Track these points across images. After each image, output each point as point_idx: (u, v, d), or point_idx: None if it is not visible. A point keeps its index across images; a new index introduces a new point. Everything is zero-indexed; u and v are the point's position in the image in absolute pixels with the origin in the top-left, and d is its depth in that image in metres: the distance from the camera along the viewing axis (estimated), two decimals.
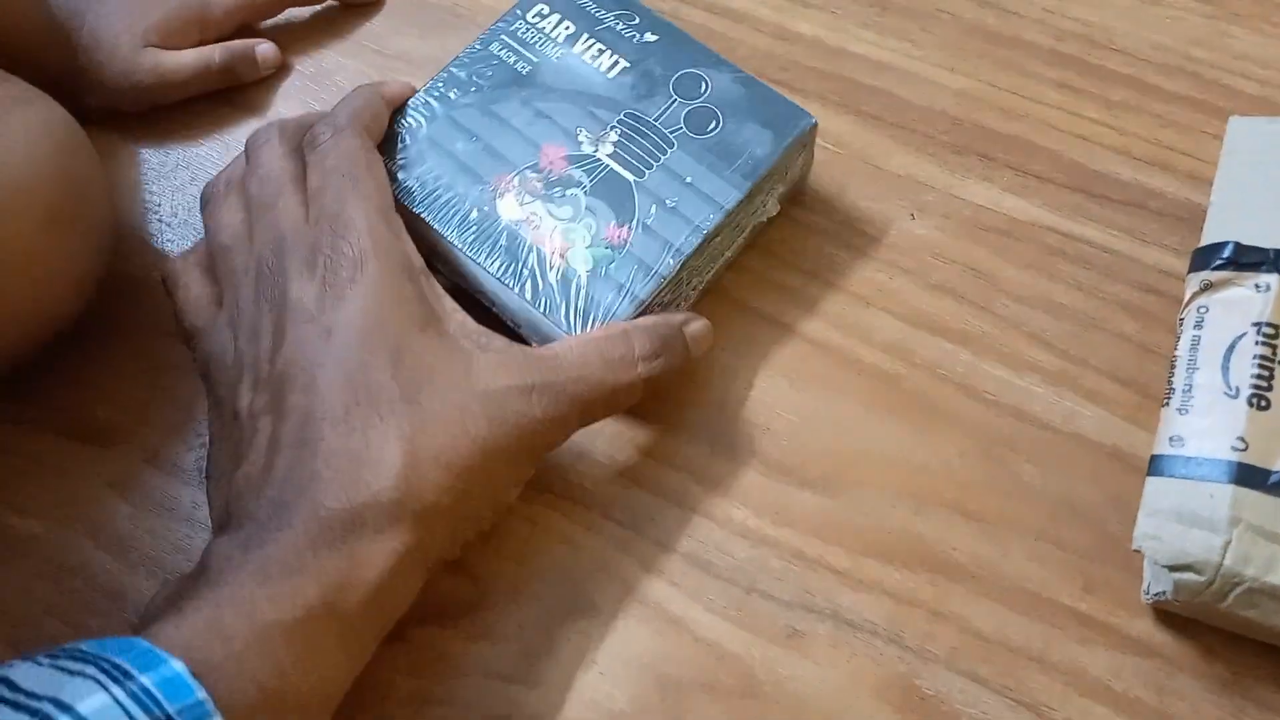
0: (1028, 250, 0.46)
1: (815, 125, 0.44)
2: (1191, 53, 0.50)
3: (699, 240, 0.42)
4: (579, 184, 0.42)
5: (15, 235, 0.40)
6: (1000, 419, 0.43)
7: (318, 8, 0.54)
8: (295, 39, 0.54)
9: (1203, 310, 0.41)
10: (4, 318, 0.41)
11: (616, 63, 0.44)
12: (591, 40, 0.45)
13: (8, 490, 0.45)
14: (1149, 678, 0.39)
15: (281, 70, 0.53)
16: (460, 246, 0.42)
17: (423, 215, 0.43)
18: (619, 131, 0.43)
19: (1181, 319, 0.41)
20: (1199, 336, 0.40)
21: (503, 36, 0.45)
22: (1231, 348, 0.39)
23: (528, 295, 0.41)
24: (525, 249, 0.42)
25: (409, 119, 0.45)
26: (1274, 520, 0.36)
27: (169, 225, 0.51)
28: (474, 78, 0.45)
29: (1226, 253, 0.41)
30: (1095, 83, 0.50)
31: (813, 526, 0.42)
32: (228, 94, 0.53)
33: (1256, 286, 0.39)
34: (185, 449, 0.45)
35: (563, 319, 0.41)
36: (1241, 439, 0.37)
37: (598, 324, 0.41)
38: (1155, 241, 0.46)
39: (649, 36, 0.45)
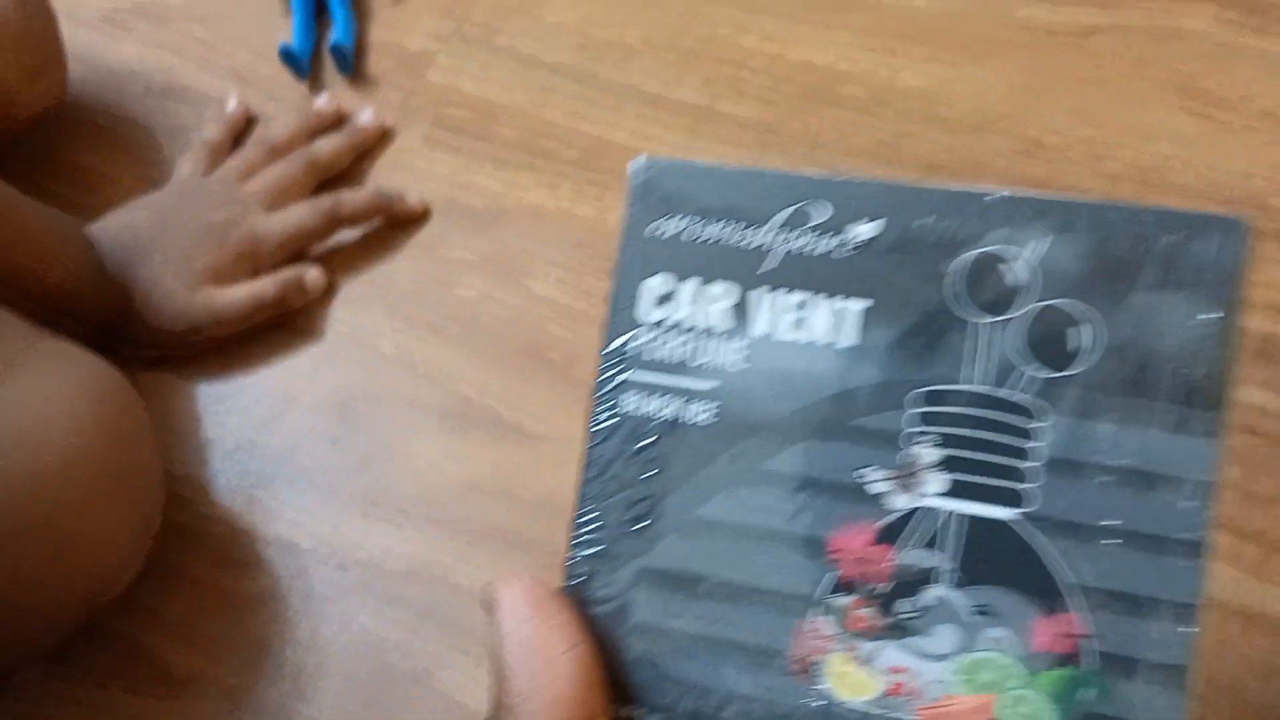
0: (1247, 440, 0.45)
1: (1249, 227, 0.24)
2: (1249, 184, 0.49)
3: (1202, 557, 0.23)
4: (930, 577, 0.24)
5: (63, 506, 0.38)
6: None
7: (368, 227, 0.55)
8: (347, 257, 0.54)
9: None
10: (57, 590, 0.40)
11: (842, 311, 0.25)
12: (774, 292, 0.25)
13: None
14: None
15: (332, 289, 0.53)
16: None
17: None
18: (931, 438, 0.24)
19: None
20: None
21: (626, 374, 0.26)
22: None
23: None
24: None
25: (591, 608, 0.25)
26: None
27: (236, 452, 0.50)
28: (623, 473, 0.25)
29: None
30: None
31: None
32: (283, 318, 0.53)
33: None
34: (264, 685, 0.44)
35: None
36: None
37: None
38: (1241, 380, 0.45)
39: (861, 230, 0.25)
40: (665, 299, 0.26)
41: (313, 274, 0.52)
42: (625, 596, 0.25)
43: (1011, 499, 0.23)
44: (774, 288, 0.25)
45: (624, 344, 0.26)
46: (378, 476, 0.48)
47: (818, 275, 0.25)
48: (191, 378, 0.52)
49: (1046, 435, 0.23)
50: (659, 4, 0.58)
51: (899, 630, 0.24)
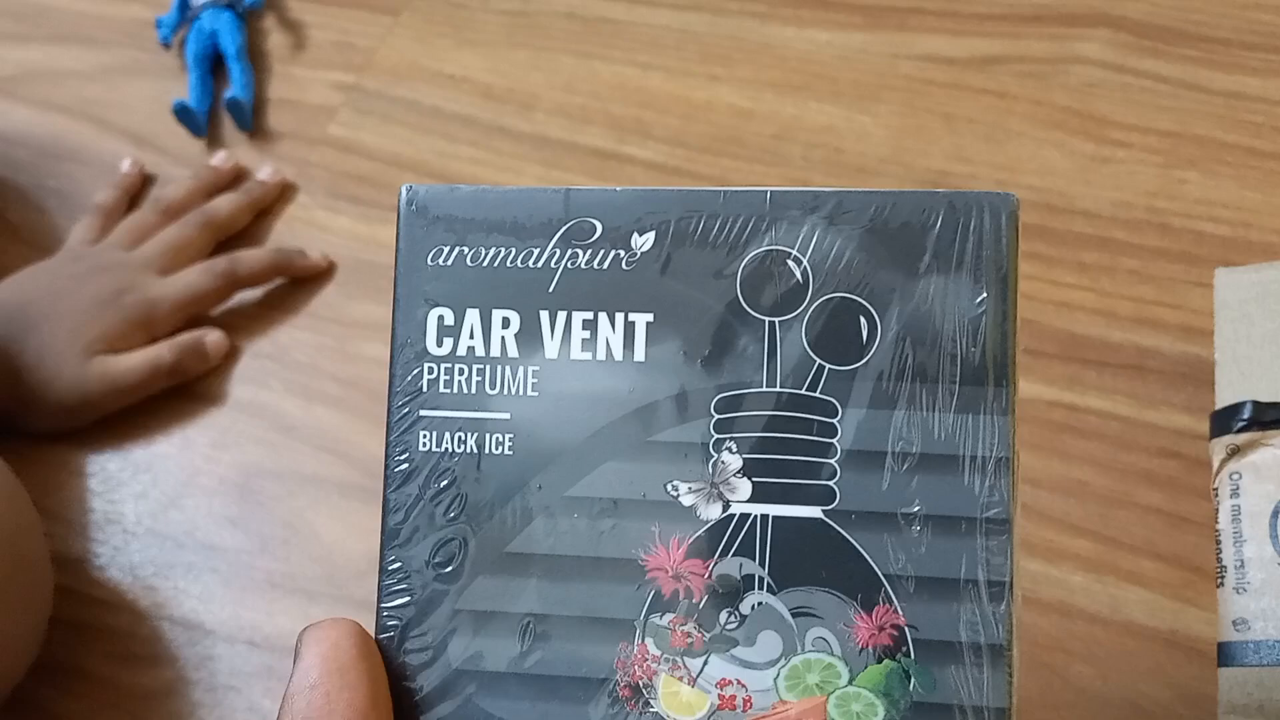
0: (1034, 431, 0.44)
1: (1017, 203, 0.24)
2: (1153, 204, 0.50)
3: (1007, 533, 0.23)
4: (747, 585, 0.23)
5: None
6: (1044, 618, 0.40)
7: (269, 286, 0.53)
8: (248, 319, 0.52)
9: (1236, 477, 0.38)
10: None
11: (632, 326, 0.24)
12: (560, 312, 0.24)
13: None
14: None
15: (234, 354, 0.51)
16: None
17: None
18: (730, 444, 0.24)
19: (1215, 488, 0.39)
20: (1238, 506, 0.38)
21: (418, 413, 0.25)
22: (1276, 514, 0.37)
23: None
24: None
25: (411, 661, 0.24)
26: None
27: (134, 535, 0.48)
28: (426, 516, 0.24)
29: (1246, 413, 0.39)
30: (1064, 248, 0.49)
31: None
32: (183, 386, 0.51)
33: None
34: None
35: None
36: None
37: None
38: (1162, 401, 0.44)
39: (638, 242, 0.24)
40: (451, 330, 0.25)
41: (213, 337, 0.50)
42: (441, 643, 0.24)
43: (820, 496, 0.23)
44: (560, 308, 0.24)
45: (413, 381, 0.25)
46: (280, 557, 0.46)
47: (603, 291, 0.24)
48: (87, 453, 0.50)
49: (844, 428, 0.23)
50: (561, 50, 0.57)
51: (723, 642, 0.23)
